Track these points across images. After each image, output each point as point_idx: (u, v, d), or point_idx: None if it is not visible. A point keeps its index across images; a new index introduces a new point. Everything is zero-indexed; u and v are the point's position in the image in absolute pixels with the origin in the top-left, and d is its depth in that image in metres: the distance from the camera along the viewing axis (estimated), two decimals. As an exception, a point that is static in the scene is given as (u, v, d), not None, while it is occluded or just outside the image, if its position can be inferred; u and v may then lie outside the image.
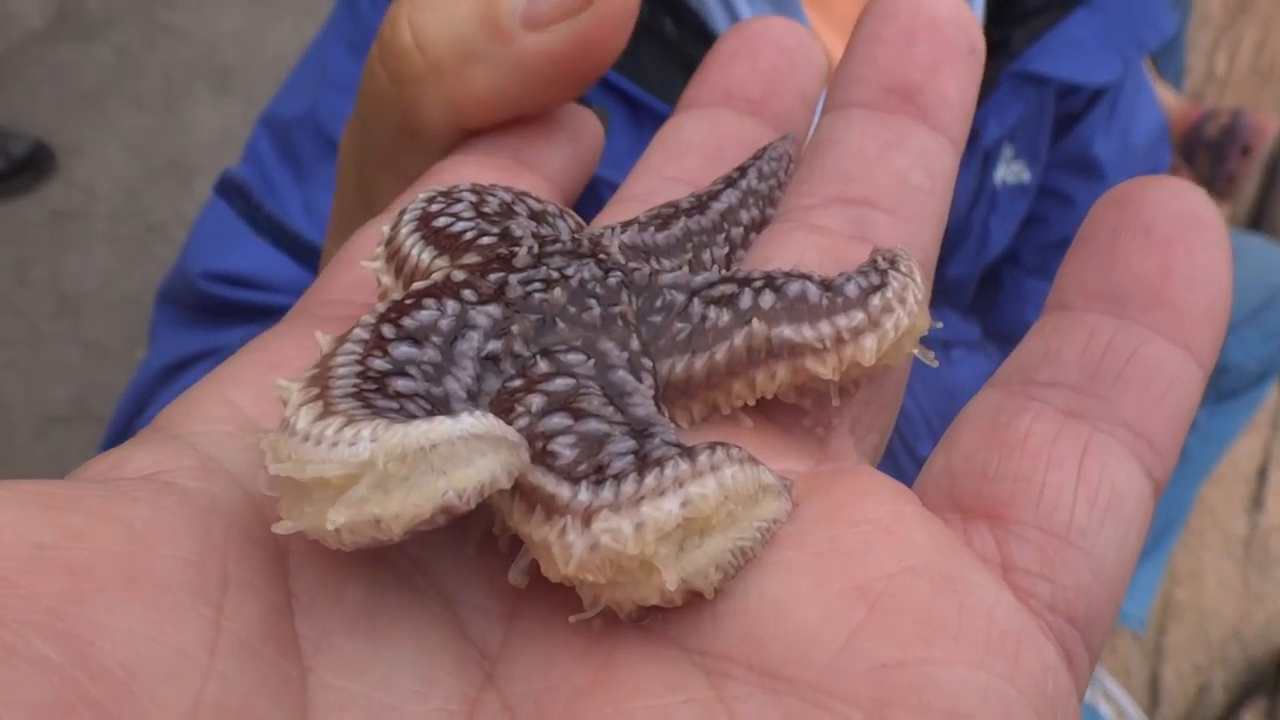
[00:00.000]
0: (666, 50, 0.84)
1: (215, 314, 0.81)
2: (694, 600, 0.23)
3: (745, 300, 0.27)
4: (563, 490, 0.23)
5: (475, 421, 0.22)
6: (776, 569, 0.23)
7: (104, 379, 1.97)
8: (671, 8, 0.84)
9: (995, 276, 1.07)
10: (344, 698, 0.22)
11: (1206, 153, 1.88)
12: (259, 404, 0.26)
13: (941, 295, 0.99)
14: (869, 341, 0.26)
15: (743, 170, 0.33)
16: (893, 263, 0.27)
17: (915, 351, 0.27)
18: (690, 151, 0.35)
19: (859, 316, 0.26)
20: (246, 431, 0.24)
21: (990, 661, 0.22)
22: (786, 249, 0.30)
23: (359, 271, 0.31)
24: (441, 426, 0.21)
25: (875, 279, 0.27)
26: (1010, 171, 0.97)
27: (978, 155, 0.93)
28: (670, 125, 0.36)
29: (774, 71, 0.35)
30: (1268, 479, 1.86)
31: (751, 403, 0.27)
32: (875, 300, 0.26)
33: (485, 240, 0.29)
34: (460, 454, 0.21)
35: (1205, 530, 1.82)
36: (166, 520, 0.22)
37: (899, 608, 0.22)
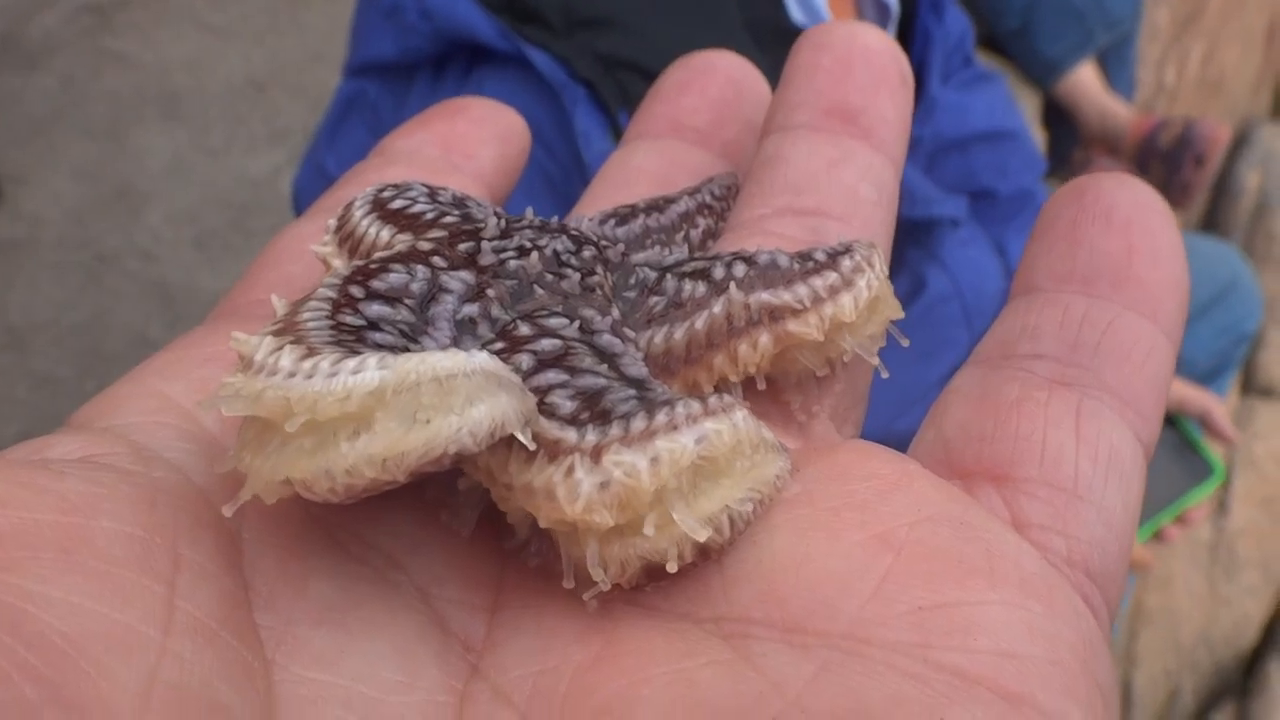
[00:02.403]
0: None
1: None
2: (701, 563, 0.22)
3: (719, 271, 0.26)
4: (568, 433, 0.21)
5: (489, 358, 0.20)
6: (788, 527, 0.22)
7: (54, 412, 1.92)
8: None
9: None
10: (317, 689, 0.20)
11: (1161, 163, 1.90)
12: (193, 396, 0.24)
13: (924, 171, 1.07)
14: (846, 299, 0.25)
15: (697, 187, 0.33)
16: (852, 241, 0.27)
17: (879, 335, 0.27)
18: (640, 179, 0.35)
19: (833, 276, 0.26)
20: (206, 402, 0.21)
21: (1027, 602, 0.21)
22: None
23: (286, 270, 0.30)
24: (457, 357, 0.20)
25: (840, 248, 0.26)
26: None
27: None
28: (619, 155, 0.36)
29: (722, 102, 0.36)
30: (1231, 483, 1.87)
31: (735, 379, 0.26)
32: (845, 262, 0.26)
33: (448, 219, 0.27)
34: (474, 390, 0.20)
35: (1172, 536, 1.83)
36: (105, 494, 0.20)
37: (926, 553, 0.22)
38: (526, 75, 0.86)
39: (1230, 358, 1.59)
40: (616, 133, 0.84)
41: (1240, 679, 1.86)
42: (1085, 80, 1.94)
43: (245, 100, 2.37)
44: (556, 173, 0.86)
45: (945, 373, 0.97)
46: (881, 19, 1.03)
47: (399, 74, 0.93)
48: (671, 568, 0.21)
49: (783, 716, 0.20)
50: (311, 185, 1.01)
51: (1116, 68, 1.99)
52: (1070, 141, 1.99)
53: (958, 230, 1.01)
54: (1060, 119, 1.98)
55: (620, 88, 0.86)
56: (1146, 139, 1.92)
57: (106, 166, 2.24)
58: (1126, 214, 0.27)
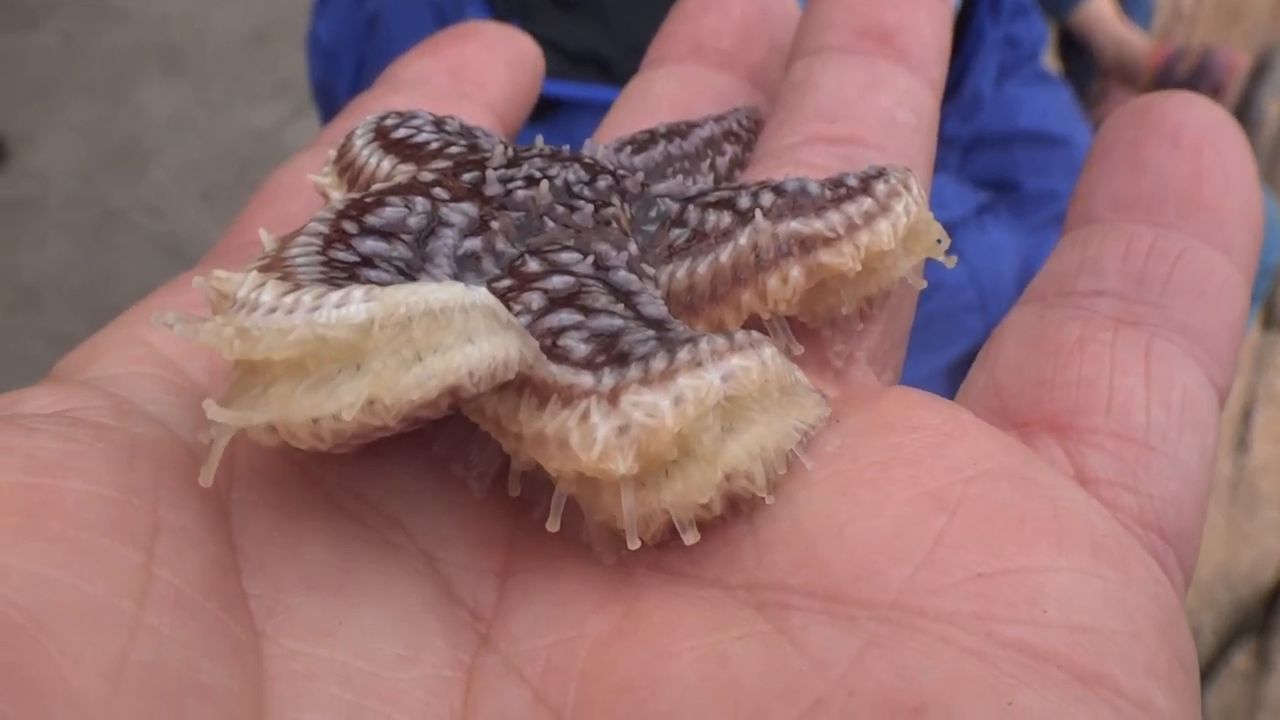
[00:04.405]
0: None
1: None
2: (731, 519, 0.20)
3: (744, 201, 0.24)
4: (583, 377, 0.19)
5: (487, 294, 0.18)
6: (828, 483, 0.20)
7: (67, 371, 1.92)
8: None
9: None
10: (310, 665, 0.18)
11: (1178, 93, 1.87)
12: (178, 344, 0.23)
13: (942, 167, 1.03)
14: (883, 226, 0.23)
15: (722, 115, 0.31)
16: (886, 165, 0.25)
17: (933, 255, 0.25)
18: (660, 107, 0.32)
19: (867, 202, 0.23)
20: (166, 320, 0.19)
21: (1101, 568, 0.19)
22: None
23: (284, 208, 0.28)
24: (454, 289, 0.18)
25: (873, 172, 0.24)
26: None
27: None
28: (638, 82, 0.33)
29: (746, 22, 0.33)
30: (1252, 420, 1.86)
31: (766, 317, 0.24)
32: (880, 186, 0.24)
33: (454, 149, 0.25)
34: (472, 325, 0.18)
35: (1192, 473, 1.82)
36: (79, 452, 0.18)
37: (985, 513, 0.19)
38: None
39: (1253, 293, 1.57)
40: None
41: (1261, 616, 1.86)
42: (1100, 9, 1.91)
43: (246, 52, 2.34)
44: None
45: (955, 361, 0.95)
46: None
47: None
48: (690, 539, 0.19)
49: (827, 699, 0.17)
50: (312, 59, 1.01)
51: (1133, -3, 1.96)
52: (1086, 74, 1.95)
53: (979, 217, 0.99)
54: (1076, 51, 1.95)
55: None
56: (1163, 68, 1.89)
57: (110, 123, 2.22)
58: (1195, 134, 0.25)
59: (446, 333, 0.18)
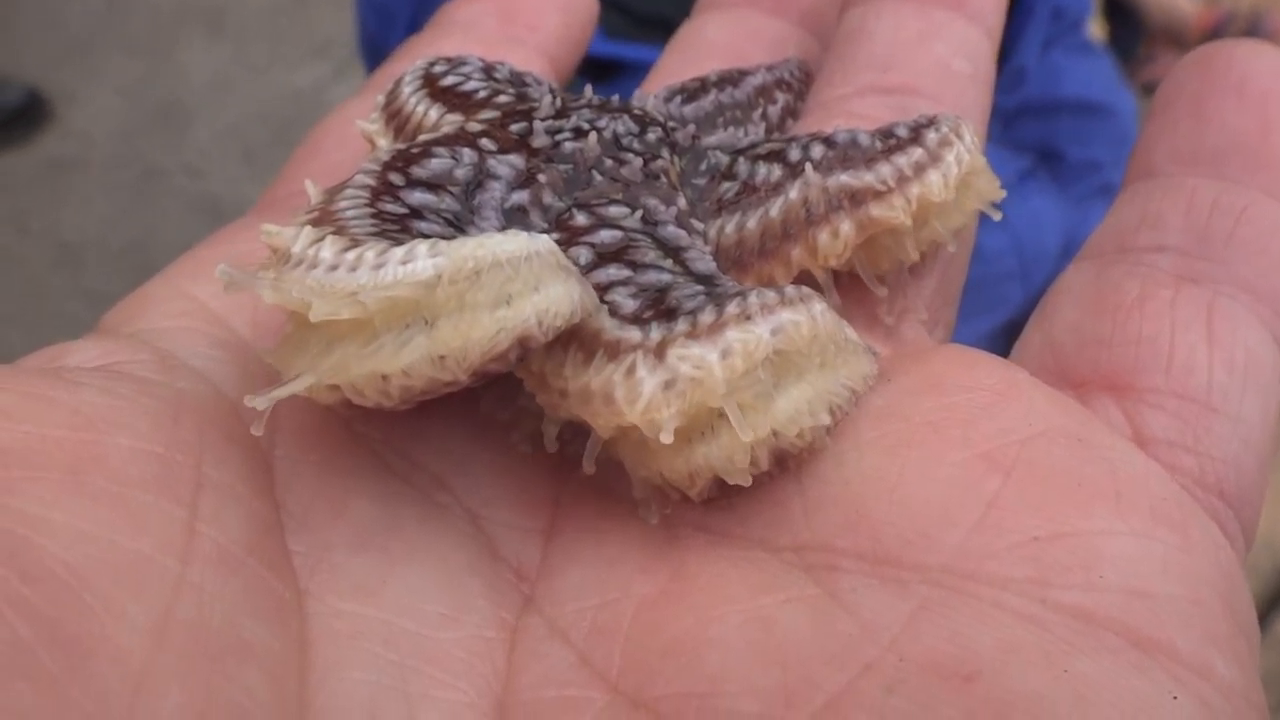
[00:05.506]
0: None
1: None
2: (779, 475, 0.19)
3: (794, 153, 0.23)
4: (629, 332, 0.19)
5: (550, 241, 0.18)
6: (879, 444, 0.20)
7: (110, 330, 1.94)
8: None
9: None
10: (354, 624, 0.18)
11: (1227, 56, 1.83)
12: (223, 298, 0.22)
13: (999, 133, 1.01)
14: (934, 177, 0.23)
15: (773, 64, 0.30)
16: (937, 114, 0.24)
17: (983, 208, 0.24)
18: (711, 54, 0.31)
19: (918, 152, 0.23)
20: (230, 273, 0.19)
21: (1160, 532, 0.18)
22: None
23: (330, 157, 0.27)
24: (519, 239, 0.17)
25: (924, 120, 0.24)
26: None
27: None
28: (689, 27, 0.33)
29: None
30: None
31: (816, 273, 0.23)
32: (931, 135, 0.23)
33: (502, 99, 0.25)
34: (541, 274, 0.17)
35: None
36: (123, 407, 0.18)
37: (1040, 475, 0.19)
38: None
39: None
40: None
41: (1302, 584, 1.84)
42: (1149, -28, 1.88)
43: (287, 14, 2.34)
44: None
45: (994, 329, 0.94)
46: None
47: None
48: (744, 480, 0.19)
49: (877, 665, 0.17)
50: (362, 12, 0.99)
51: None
52: (1133, 38, 1.92)
53: (1022, 184, 0.98)
54: (1123, 14, 1.92)
55: None
56: (1211, 32, 1.85)
57: (152, 83, 2.23)
58: (1264, 85, 0.24)
59: (514, 282, 0.17)
